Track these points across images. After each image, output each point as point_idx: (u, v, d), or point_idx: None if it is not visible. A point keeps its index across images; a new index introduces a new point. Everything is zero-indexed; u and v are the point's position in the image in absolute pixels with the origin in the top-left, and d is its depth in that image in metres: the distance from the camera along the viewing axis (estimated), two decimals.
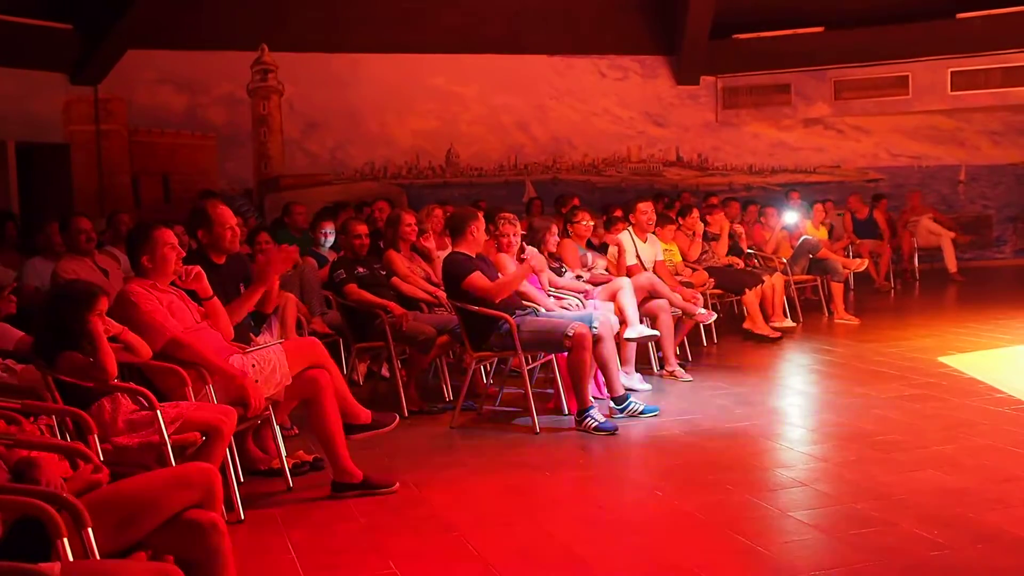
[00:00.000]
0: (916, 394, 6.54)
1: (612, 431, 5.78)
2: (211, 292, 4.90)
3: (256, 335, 5.50)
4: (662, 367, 7.47)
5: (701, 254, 9.29)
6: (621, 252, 7.86)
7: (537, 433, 5.86)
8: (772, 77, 14.19)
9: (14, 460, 2.90)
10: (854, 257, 11.63)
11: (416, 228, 7.50)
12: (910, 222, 13.64)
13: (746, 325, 9.11)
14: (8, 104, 10.61)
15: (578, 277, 7.41)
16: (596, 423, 5.82)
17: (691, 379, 7.30)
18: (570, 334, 5.84)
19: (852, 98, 14.09)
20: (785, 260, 10.17)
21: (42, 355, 4.02)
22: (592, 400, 5.98)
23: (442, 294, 6.73)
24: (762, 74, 14.19)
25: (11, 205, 10.63)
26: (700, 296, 8.12)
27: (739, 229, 9.97)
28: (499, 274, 6.41)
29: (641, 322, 7.06)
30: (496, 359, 6.54)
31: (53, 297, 4.23)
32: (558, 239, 7.48)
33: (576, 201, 10.01)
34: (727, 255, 9.58)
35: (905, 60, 13.60)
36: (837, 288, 10.20)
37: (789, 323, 9.48)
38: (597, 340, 5.97)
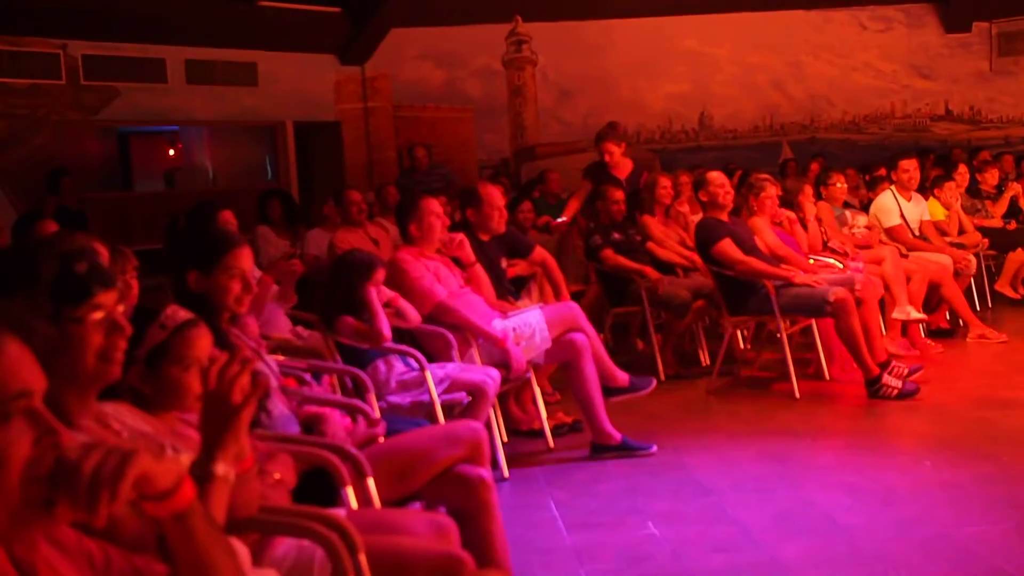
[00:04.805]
0: None
1: (914, 392, 5.51)
2: (473, 259, 5.14)
3: (516, 300, 5.70)
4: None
5: (974, 212, 8.73)
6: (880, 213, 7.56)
7: (796, 399, 5.74)
8: None
9: (303, 416, 3.18)
10: None
11: (672, 192, 7.47)
12: None
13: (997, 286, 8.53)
14: (286, 86, 11.43)
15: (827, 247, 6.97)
16: (896, 390, 5.53)
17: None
18: (831, 300, 5.65)
19: None
20: None
21: (324, 320, 4.37)
22: (877, 367, 5.65)
23: (697, 258, 6.69)
24: None
25: (290, 181, 11.50)
26: (973, 258, 7.65)
27: (1017, 187, 9.25)
28: (755, 238, 6.29)
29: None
30: (754, 323, 6.43)
31: (335, 268, 4.56)
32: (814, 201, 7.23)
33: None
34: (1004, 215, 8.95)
35: None
36: None
37: None
38: (859, 303, 5.75)
